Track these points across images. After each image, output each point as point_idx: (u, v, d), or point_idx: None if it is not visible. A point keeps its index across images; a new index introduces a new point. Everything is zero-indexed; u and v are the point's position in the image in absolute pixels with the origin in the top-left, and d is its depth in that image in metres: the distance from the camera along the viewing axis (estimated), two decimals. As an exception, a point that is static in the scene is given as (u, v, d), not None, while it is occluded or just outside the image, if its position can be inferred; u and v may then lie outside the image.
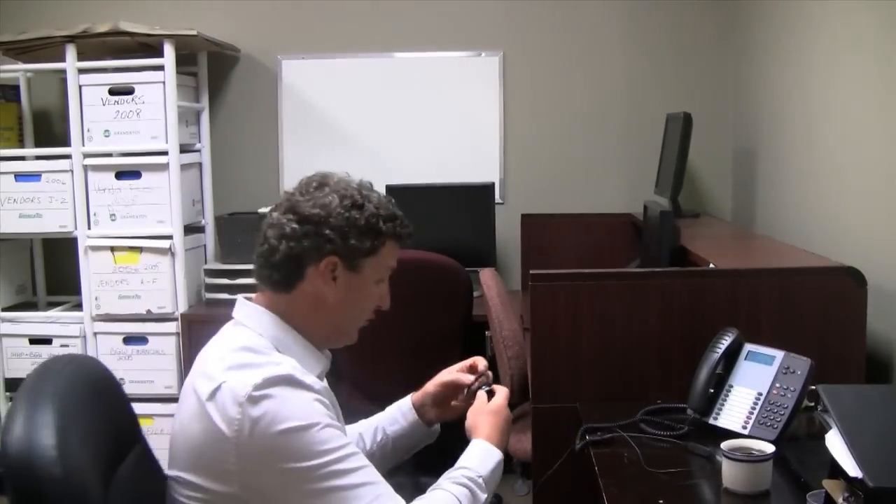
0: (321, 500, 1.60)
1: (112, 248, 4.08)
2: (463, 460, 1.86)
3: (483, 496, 1.81)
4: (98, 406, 1.72)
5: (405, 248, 1.90)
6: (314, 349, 1.82)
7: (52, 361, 1.78)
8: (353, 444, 1.68)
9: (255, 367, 1.63)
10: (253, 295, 1.84)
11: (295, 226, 1.75)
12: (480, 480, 1.82)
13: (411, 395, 2.15)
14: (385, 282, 1.88)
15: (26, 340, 4.16)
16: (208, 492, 1.64)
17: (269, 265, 1.77)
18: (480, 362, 2.10)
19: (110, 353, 4.10)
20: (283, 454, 1.59)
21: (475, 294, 3.75)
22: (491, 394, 2.03)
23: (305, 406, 1.62)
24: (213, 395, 1.61)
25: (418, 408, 2.12)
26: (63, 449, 1.52)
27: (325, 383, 1.80)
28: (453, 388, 2.09)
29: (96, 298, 4.11)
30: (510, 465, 4.04)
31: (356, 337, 1.91)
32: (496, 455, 1.89)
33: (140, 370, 4.05)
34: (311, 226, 1.74)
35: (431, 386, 2.12)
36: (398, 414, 2.14)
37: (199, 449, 1.64)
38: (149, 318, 4.11)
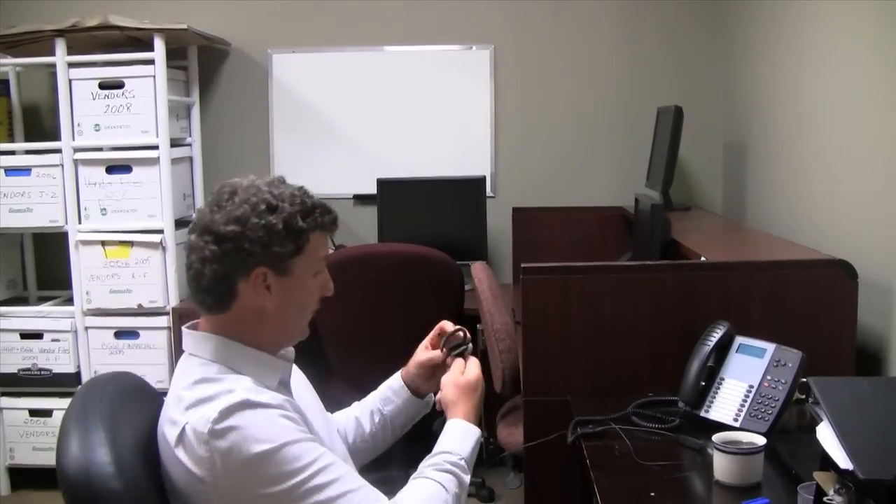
0: None
1: (103, 243, 4.07)
2: (443, 443, 1.85)
3: (467, 478, 1.81)
4: (144, 417, 1.73)
5: (333, 233, 1.84)
6: (269, 357, 1.77)
7: (93, 381, 1.81)
8: (327, 454, 1.65)
9: (210, 399, 1.60)
10: (198, 321, 1.80)
11: (213, 247, 1.68)
12: (463, 463, 1.81)
13: (400, 371, 2.14)
14: (323, 271, 1.82)
15: (17, 335, 4.15)
16: None
17: (201, 290, 1.72)
18: (447, 325, 2.08)
19: (101, 348, 4.10)
20: (259, 482, 1.57)
21: (466, 288, 3.76)
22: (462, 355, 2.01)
23: (269, 426, 1.60)
24: (179, 440, 1.60)
25: (409, 384, 2.11)
26: (119, 464, 1.56)
27: (286, 395, 1.75)
28: (432, 367, 2.08)
29: (87, 293, 4.10)
30: (501, 457, 4.05)
31: (308, 331, 1.86)
32: (475, 434, 1.88)
33: (132, 365, 4.03)
34: (230, 243, 1.68)
35: (412, 367, 2.11)
36: (390, 393, 2.13)
37: (181, 495, 1.63)
38: (140, 312, 4.10)
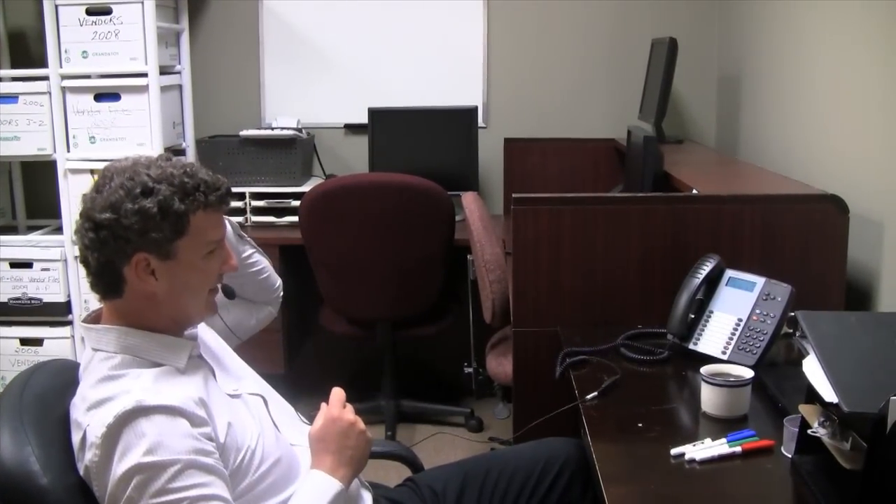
0: None
1: (92, 171, 4.03)
2: (299, 498, 1.76)
3: None
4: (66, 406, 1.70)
5: (227, 211, 1.77)
6: (173, 339, 1.73)
7: (17, 377, 1.75)
8: (206, 487, 1.57)
9: (109, 401, 1.59)
10: (98, 311, 1.77)
11: (92, 235, 1.65)
12: None
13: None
14: (218, 249, 1.76)
15: (7, 264, 4.13)
16: None
17: (91, 274, 1.70)
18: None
19: (92, 277, 4.09)
20: (134, 490, 1.53)
21: (457, 218, 3.75)
22: None
23: (158, 438, 1.55)
24: (82, 444, 1.59)
25: None
26: (44, 460, 1.57)
27: (199, 369, 1.74)
28: None
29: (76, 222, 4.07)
30: (491, 388, 4.07)
31: (211, 310, 1.81)
32: (332, 489, 1.76)
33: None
34: (106, 231, 1.63)
35: None
36: None
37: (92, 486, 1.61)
38: (130, 241, 4.08)
